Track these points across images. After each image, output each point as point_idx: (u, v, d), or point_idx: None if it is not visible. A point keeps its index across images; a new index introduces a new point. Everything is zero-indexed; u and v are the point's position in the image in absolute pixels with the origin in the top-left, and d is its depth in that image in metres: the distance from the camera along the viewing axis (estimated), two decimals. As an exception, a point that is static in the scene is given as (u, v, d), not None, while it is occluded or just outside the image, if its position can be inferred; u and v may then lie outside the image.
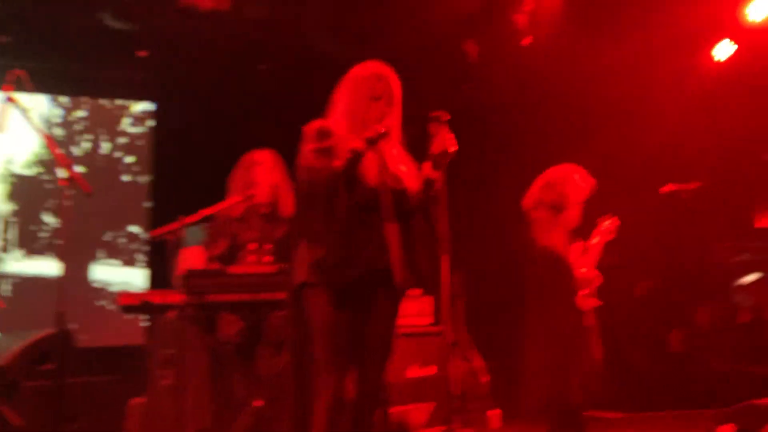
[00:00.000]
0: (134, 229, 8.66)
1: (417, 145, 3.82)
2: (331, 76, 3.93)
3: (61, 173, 4.62)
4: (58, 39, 7.60)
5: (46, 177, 8.27)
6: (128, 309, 5.10)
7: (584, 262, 5.94)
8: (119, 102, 8.83)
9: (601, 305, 5.75)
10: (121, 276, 8.51)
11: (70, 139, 8.51)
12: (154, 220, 8.24)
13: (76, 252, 8.04)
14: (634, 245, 7.69)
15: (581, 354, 5.52)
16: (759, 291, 8.89)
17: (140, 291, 6.62)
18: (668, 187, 5.99)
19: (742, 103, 8.00)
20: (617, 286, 7.53)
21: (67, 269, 4.91)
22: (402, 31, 7.70)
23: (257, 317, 5.02)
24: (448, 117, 3.59)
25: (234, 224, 5.24)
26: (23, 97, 4.69)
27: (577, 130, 8.25)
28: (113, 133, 8.75)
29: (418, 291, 6.18)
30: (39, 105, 8.26)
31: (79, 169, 7.79)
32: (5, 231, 8.09)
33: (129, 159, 8.78)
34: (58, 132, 8.43)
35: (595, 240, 6.08)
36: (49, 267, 8.07)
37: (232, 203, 5.10)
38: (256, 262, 5.09)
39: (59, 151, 4.83)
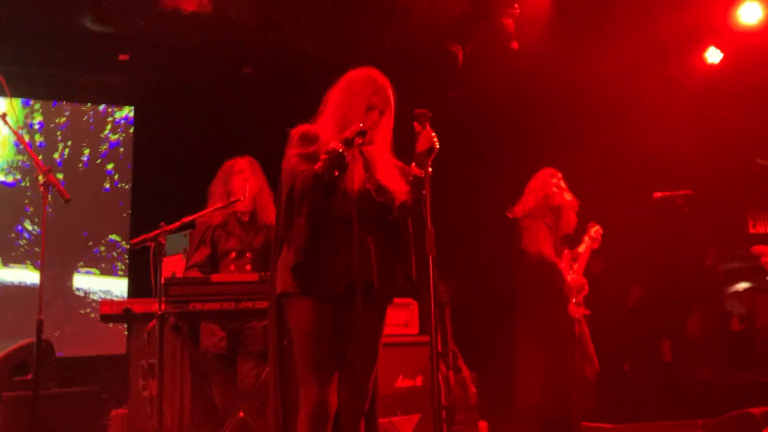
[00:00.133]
0: (115, 237, 8.54)
1: (405, 150, 3.74)
2: (317, 80, 3.84)
3: (40, 180, 4.53)
4: (36, 43, 7.48)
5: (24, 184, 8.14)
6: (109, 318, 5.01)
7: (573, 270, 5.89)
8: (100, 107, 8.71)
9: (594, 312, 5.71)
10: (102, 284, 8.40)
11: (49, 145, 8.39)
12: (134, 228, 8.15)
13: (56, 260, 7.91)
14: (625, 252, 7.66)
15: (572, 362, 5.47)
16: (751, 299, 8.88)
17: (121, 299, 6.54)
18: (659, 194, 5.96)
19: (735, 108, 7.98)
20: (608, 293, 7.50)
21: (47, 278, 4.81)
22: (389, 35, 7.65)
23: (239, 326, 4.96)
24: (430, 115, 3.52)
25: (214, 232, 5.17)
26: (1, 102, 4.59)
27: (567, 136, 8.23)
28: (94, 139, 8.64)
29: (404, 300, 6.10)
30: (17, 110, 8.14)
31: (58, 175, 7.71)
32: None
33: (109, 166, 8.67)
34: (37, 138, 8.31)
35: (582, 247, 6.04)
36: (28, 276, 7.95)
37: (214, 210, 5.03)
38: (237, 270, 5.04)
39: (38, 157, 4.74)
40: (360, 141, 3.42)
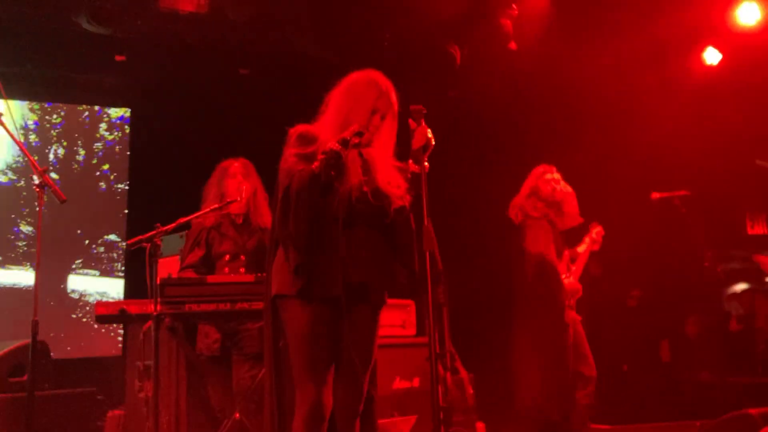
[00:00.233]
0: (111, 237, 8.51)
1: (401, 148, 3.73)
2: (315, 80, 3.82)
3: (36, 180, 4.51)
4: (33, 43, 7.45)
5: (20, 184, 8.11)
6: (104, 319, 4.98)
7: (571, 272, 5.88)
8: (95, 108, 8.68)
9: (592, 313, 5.70)
10: (98, 285, 8.36)
11: (45, 146, 8.35)
12: (130, 229, 8.12)
13: (52, 261, 7.89)
14: (624, 252, 7.64)
15: (569, 364, 5.46)
16: (750, 300, 8.86)
17: (117, 300, 6.51)
18: (657, 194, 5.95)
19: (734, 108, 7.98)
20: (606, 294, 7.49)
21: (43, 279, 4.79)
22: (388, 35, 7.63)
23: (234, 327, 4.94)
24: (425, 112, 3.52)
25: (209, 233, 5.16)
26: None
27: (565, 136, 8.22)
28: (89, 139, 8.60)
29: (401, 301, 6.08)
30: (13, 111, 8.09)
31: (53, 176, 7.68)
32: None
33: (105, 166, 8.64)
34: (33, 138, 8.27)
35: (582, 248, 6.02)
36: (24, 277, 7.91)
37: (210, 211, 5.01)
38: (231, 272, 5.03)
39: (34, 157, 4.72)
40: (357, 141, 3.39)
